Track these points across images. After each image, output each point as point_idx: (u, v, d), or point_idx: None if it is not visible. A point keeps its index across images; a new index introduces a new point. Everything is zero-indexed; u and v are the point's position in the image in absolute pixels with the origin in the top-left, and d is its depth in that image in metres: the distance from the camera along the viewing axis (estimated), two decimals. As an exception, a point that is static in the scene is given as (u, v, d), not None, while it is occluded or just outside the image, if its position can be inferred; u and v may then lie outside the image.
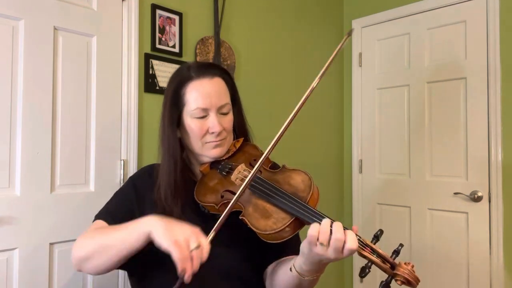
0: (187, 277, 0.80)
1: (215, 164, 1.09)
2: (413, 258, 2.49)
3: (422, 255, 2.44)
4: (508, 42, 2.20)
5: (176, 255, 0.80)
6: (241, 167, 1.05)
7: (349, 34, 1.04)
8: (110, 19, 1.68)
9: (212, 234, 0.87)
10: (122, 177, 1.69)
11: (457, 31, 2.38)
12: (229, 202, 0.95)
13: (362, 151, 2.81)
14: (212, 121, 1.04)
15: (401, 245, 0.85)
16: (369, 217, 2.73)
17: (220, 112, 1.06)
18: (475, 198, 2.26)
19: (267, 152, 0.97)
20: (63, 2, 1.55)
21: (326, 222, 0.84)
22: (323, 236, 0.82)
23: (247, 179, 0.94)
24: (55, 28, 1.52)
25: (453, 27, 2.39)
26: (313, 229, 0.83)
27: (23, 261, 1.43)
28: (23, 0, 1.45)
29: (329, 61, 0.99)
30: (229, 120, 1.09)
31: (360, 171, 2.81)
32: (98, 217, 1.11)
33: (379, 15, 2.70)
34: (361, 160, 2.81)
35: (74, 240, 1.52)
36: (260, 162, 0.96)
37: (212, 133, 1.05)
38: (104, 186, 1.64)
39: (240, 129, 1.16)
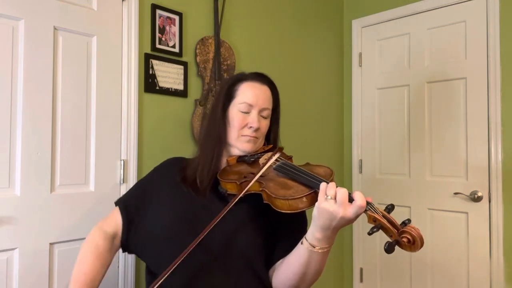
0: None
1: (242, 157, 1.21)
2: (413, 258, 2.49)
3: (422, 255, 2.44)
4: (508, 42, 2.20)
5: None
6: (270, 153, 1.17)
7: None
8: (110, 19, 1.68)
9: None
10: (122, 177, 1.69)
11: (457, 31, 2.38)
12: (250, 181, 1.04)
13: (362, 151, 2.81)
14: (253, 117, 1.19)
15: (409, 220, 0.88)
16: (369, 217, 2.73)
17: (261, 114, 1.21)
18: (475, 198, 2.26)
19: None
20: (63, 2, 1.55)
21: (332, 182, 0.94)
22: (330, 190, 0.91)
23: (270, 158, 1.07)
24: (55, 28, 1.52)
25: (453, 27, 2.39)
26: (323, 185, 0.93)
27: (23, 261, 1.43)
28: (23, 0, 1.45)
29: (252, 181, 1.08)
30: (266, 124, 1.24)
31: (360, 171, 2.81)
32: (117, 203, 1.24)
33: (379, 15, 2.70)
34: (361, 160, 2.81)
35: (74, 240, 1.55)
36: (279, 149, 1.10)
37: (250, 127, 1.19)
38: (104, 186, 1.65)
39: (274, 137, 1.30)
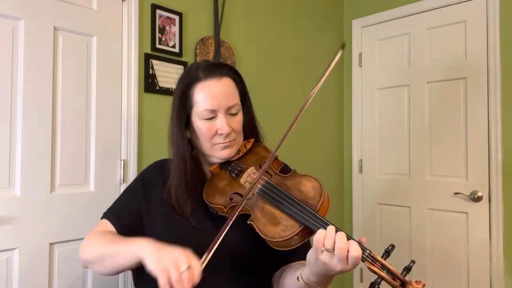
0: None
1: (225, 164, 1.08)
2: (413, 258, 2.49)
3: (422, 255, 2.44)
4: (508, 42, 2.20)
5: (161, 283, 0.80)
6: (251, 170, 1.03)
7: (343, 47, 1.00)
8: (110, 19, 1.68)
9: (206, 255, 0.86)
10: (122, 177, 1.69)
11: (457, 31, 2.38)
12: (237, 205, 0.95)
13: (362, 151, 2.81)
14: (221, 123, 1.03)
15: (413, 261, 0.83)
16: (369, 217, 2.73)
17: (228, 112, 1.05)
18: (475, 198, 2.26)
19: (271, 155, 0.99)
20: (63, 2, 1.55)
21: (331, 227, 0.83)
22: (328, 241, 0.80)
23: (253, 183, 0.95)
24: (55, 28, 1.52)
25: (453, 27, 2.39)
26: (319, 235, 0.82)
27: (23, 261, 1.43)
28: (23, 0, 1.45)
29: (325, 75, 0.99)
30: (238, 120, 1.07)
31: (360, 171, 2.81)
32: (105, 216, 1.12)
33: (379, 15, 2.70)
34: (361, 160, 2.81)
35: (74, 240, 1.54)
36: (264, 167, 0.96)
37: (221, 134, 1.03)
38: (104, 186, 1.65)
39: (250, 128, 1.14)
